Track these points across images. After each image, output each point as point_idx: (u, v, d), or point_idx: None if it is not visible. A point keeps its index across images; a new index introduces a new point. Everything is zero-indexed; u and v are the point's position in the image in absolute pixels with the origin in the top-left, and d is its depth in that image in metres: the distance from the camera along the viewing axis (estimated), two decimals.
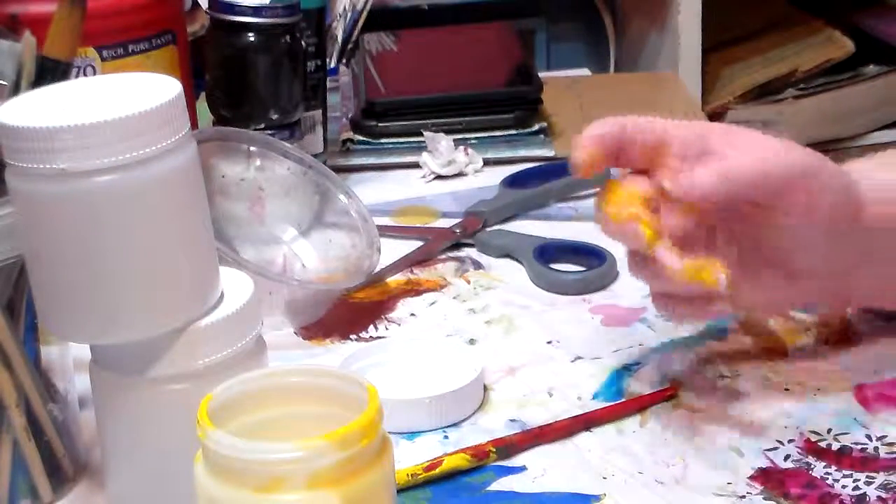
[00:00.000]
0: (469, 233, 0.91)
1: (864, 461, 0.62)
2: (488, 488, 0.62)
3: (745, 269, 0.65)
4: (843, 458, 0.62)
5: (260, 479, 0.46)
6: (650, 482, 0.61)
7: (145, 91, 0.54)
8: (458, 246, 0.90)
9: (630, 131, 0.67)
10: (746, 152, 0.64)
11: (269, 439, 0.46)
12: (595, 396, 0.70)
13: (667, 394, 0.69)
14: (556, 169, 0.99)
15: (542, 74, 1.16)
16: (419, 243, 0.90)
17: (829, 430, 0.65)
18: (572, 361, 0.73)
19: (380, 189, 1.01)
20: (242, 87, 0.92)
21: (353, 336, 0.78)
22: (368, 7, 1.13)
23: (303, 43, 0.94)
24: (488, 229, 0.92)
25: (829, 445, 0.63)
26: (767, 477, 0.61)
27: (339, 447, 0.46)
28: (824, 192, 0.64)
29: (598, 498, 0.61)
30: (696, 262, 0.61)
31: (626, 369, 0.72)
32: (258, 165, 0.85)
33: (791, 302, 0.71)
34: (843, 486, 0.60)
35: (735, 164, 0.63)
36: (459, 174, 1.03)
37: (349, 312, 0.81)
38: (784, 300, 0.70)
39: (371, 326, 0.79)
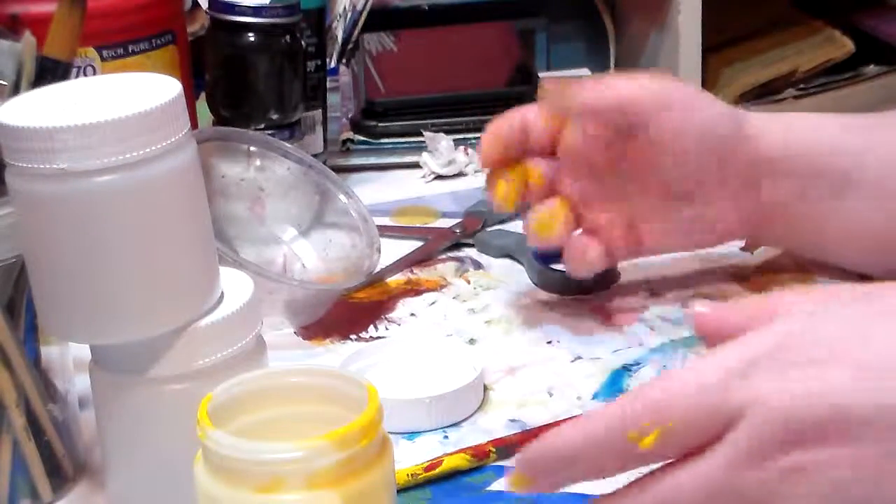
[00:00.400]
0: (469, 233, 0.91)
1: None
2: (488, 488, 0.62)
3: (641, 209, 0.75)
4: None
5: (260, 479, 0.46)
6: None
7: (145, 91, 0.54)
8: (458, 246, 0.90)
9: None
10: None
11: (269, 439, 0.46)
12: (595, 396, 0.70)
13: None
14: None
15: (542, 74, 1.16)
16: (419, 243, 0.90)
17: None
18: (572, 361, 0.73)
19: (380, 189, 1.01)
20: (242, 87, 0.92)
21: (353, 336, 0.78)
22: (368, 7, 1.12)
23: (303, 43, 0.94)
24: (488, 229, 0.92)
25: None
26: None
27: (339, 447, 0.46)
28: (695, 111, 0.73)
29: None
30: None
31: (626, 369, 0.72)
32: (258, 165, 0.85)
33: (695, 236, 0.77)
34: None
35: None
36: (459, 174, 1.03)
37: (349, 312, 0.81)
38: (688, 235, 0.77)
39: (371, 326, 0.79)
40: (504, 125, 0.76)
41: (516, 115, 0.76)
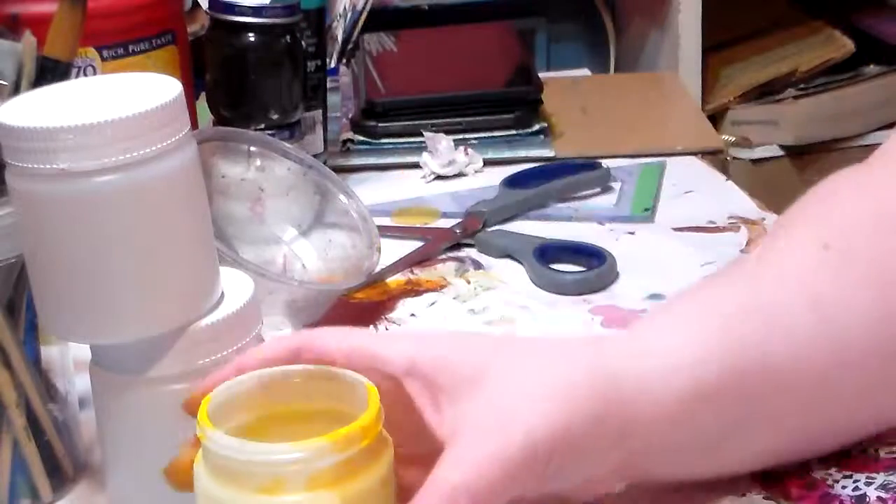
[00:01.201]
0: (469, 233, 0.91)
1: (864, 462, 0.62)
2: None
3: None
4: (843, 458, 0.62)
5: (260, 479, 0.46)
6: (650, 482, 0.61)
7: (146, 91, 0.54)
8: (458, 246, 0.90)
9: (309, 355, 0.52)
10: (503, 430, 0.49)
11: (268, 440, 0.46)
12: None
13: None
14: (555, 169, 1.00)
15: (542, 75, 1.16)
16: (419, 243, 0.90)
17: None
18: None
19: (380, 189, 1.01)
20: (242, 87, 0.92)
21: None
22: (368, 7, 1.12)
23: (303, 43, 0.94)
24: (488, 229, 0.92)
25: None
26: (767, 477, 0.61)
27: (340, 448, 0.46)
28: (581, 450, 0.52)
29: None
30: None
31: None
32: (258, 165, 0.85)
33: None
34: (843, 487, 0.60)
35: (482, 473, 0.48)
36: (459, 174, 1.03)
37: (349, 312, 0.81)
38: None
39: (371, 326, 0.79)
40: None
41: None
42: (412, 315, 0.81)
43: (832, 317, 0.57)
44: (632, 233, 0.90)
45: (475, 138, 1.07)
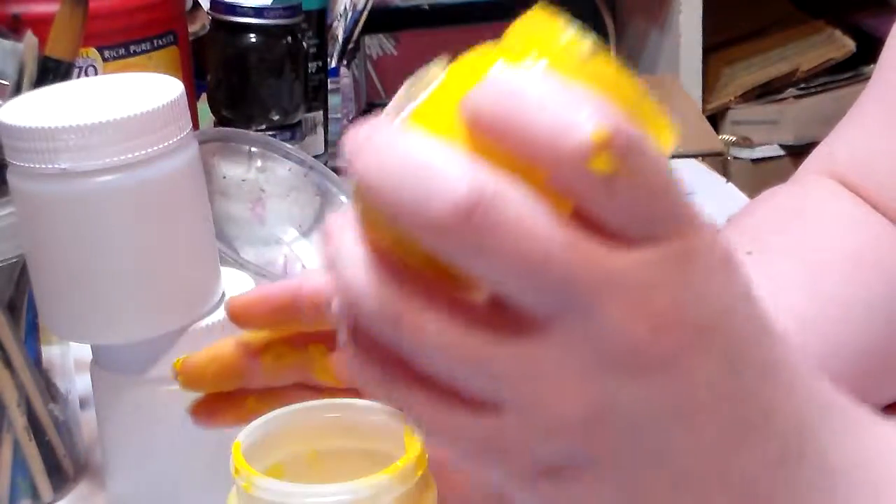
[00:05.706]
0: None
1: None
2: None
3: None
4: None
5: None
6: None
7: (147, 91, 0.54)
8: None
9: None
10: None
11: (305, 481, 0.44)
12: None
13: None
14: None
15: None
16: None
17: None
18: None
19: None
20: (244, 87, 0.92)
21: None
22: (369, 6, 1.13)
23: (304, 44, 0.95)
24: None
25: None
26: None
27: (401, 481, 0.43)
28: None
29: None
30: None
31: None
32: (259, 166, 0.85)
33: None
34: None
35: None
36: None
37: None
38: None
39: None
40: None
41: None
42: None
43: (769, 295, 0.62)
44: None
45: None
